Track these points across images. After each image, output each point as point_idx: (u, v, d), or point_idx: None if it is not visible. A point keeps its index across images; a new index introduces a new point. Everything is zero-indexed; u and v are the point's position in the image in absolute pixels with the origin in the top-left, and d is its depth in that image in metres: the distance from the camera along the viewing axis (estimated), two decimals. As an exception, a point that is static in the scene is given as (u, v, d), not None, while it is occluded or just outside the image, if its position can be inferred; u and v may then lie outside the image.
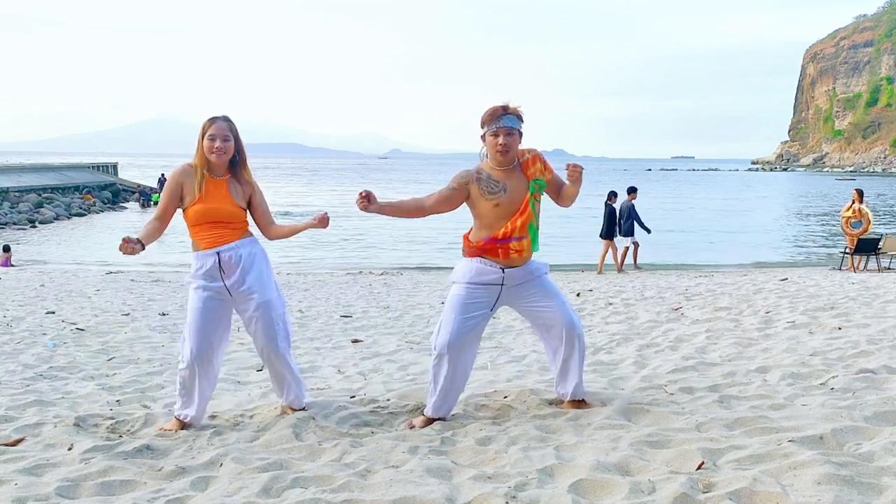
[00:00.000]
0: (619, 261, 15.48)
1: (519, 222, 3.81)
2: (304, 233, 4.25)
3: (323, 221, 3.99)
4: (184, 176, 3.92)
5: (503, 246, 3.82)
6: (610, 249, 15.56)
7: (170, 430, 3.93)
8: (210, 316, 3.91)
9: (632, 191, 15.78)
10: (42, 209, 32.27)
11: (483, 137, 3.88)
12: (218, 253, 3.88)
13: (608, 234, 15.39)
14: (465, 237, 3.96)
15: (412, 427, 3.93)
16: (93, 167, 48.75)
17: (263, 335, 3.97)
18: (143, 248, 3.74)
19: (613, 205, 15.40)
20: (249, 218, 4.07)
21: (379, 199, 3.81)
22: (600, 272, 15.26)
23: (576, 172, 3.87)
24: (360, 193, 3.77)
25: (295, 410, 4.16)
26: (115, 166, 51.95)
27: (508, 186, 3.84)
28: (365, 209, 3.77)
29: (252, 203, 4.05)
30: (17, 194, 33.51)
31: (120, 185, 45.62)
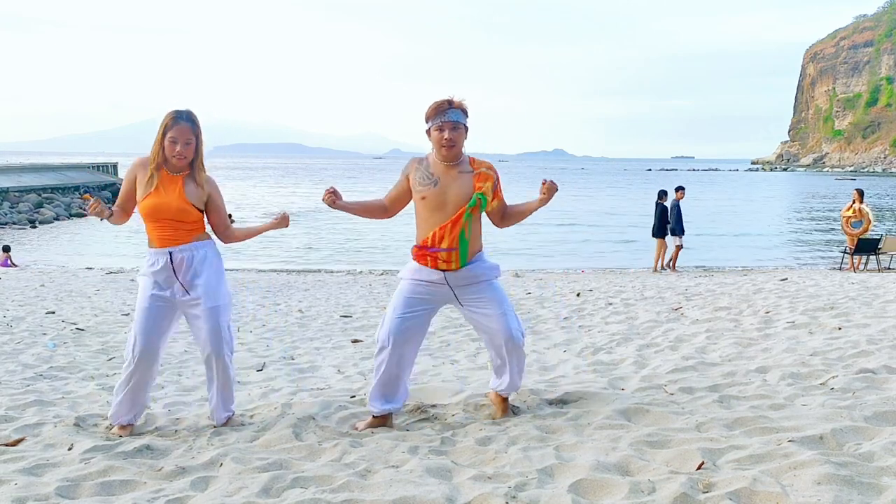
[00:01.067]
0: (672, 260, 15.65)
1: (447, 229, 3.71)
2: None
3: (283, 221, 3.96)
4: (140, 167, 3.83)
5: (431, 255, 3.76)
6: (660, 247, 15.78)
7: (118, 434, 3.87)
8: (155, 316, 3.82)
9: (679, 189, 15.87)
10: (42, 209, 32.27)
11: (428, 132, 3.82)
12: (170, 253, 3.80)
13: (659, 232, 15.51)
14: (413, 247, 3.90)
15: (356, 429, 3.90)
16: (93, 167, 48.73)
17: (209, 341, 3.85)
18: (110, 216, 3.75)
19: (665, 203, 15.51)
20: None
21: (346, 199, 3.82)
22: (656, 270, 15.38)
23: (551, 191, 3.80)
24: (327, 189, 3.78)
25: (223, 424, 4.01)
26: (115, 166, 51.93)
27: (442, 182, 3.76)
28: (332, 204, 3.77)
29: (210, 205, 3.93)
30: (17, 194, 33.50)
31: (119, 185, 45.64)
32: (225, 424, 4.01)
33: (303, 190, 62.57)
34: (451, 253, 3.74)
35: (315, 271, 17.60)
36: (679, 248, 15.58)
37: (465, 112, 3.81)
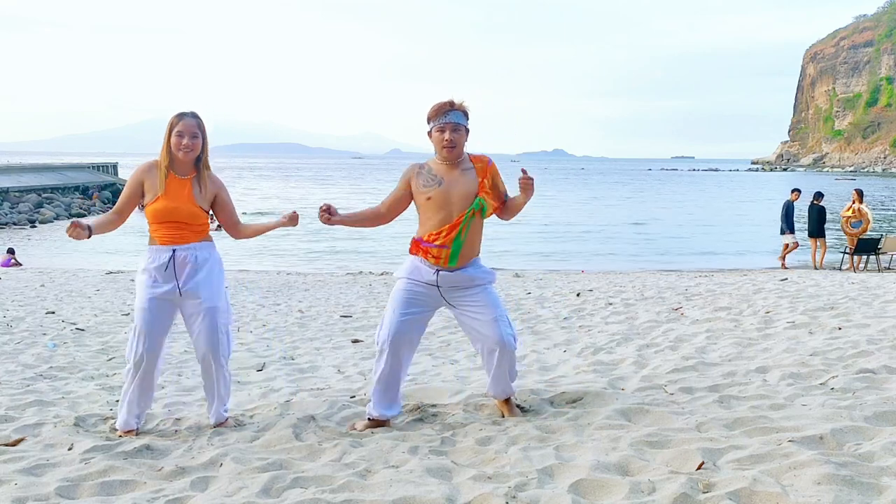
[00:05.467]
0: (783, 256, 16.24)
1: (445, 230, 3.75)
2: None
3: (293, 220, 3.97)
4: (146, 173, 3.85)
5: (423, 248, 3.81)
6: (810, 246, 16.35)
7: (121, 435, 3.87)
8: (156, 315, 3.83)
9: (795, 191, 16.49)
10: (42, 209, 32.25)
11: (430, 134, 3.85)
12: (174, 251, 3.80)
13: (817, 232, 16.05)
14: (413, 238, 3.94)
15: (353, 429, 3.90)
16: (93, 167, 48.73)
17: (206, 341, 3.87)
18: (90, 236, 3.71)
19: (821, 204, 16.06)
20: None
21: (339, 212, 3.83)
22: (819, 266, 15.85)
23: (528, 183, 3.82)
24: (321, 207, 3.78)
25: (219, 425, 4.01)
26: (114, 166, 51.93)
27: (446, 181, 3.79)
28: (328, 222, 3.79)
29: (218, 202, 3.96)
30: (17, 194, 33.49)
31: (120, 185, 45.61)
32: (222, 425, 4.01)
33: (306, 189, 62.64)
34: (441, 249, 3.77)
35: (315, 272, 17.61)
36: (794, 245, 16.22)
37: (465, 114, 3.84)
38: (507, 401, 4.09)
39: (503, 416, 4.03)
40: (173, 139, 3.81)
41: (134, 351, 3.84)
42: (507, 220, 4.07)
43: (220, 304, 3.90)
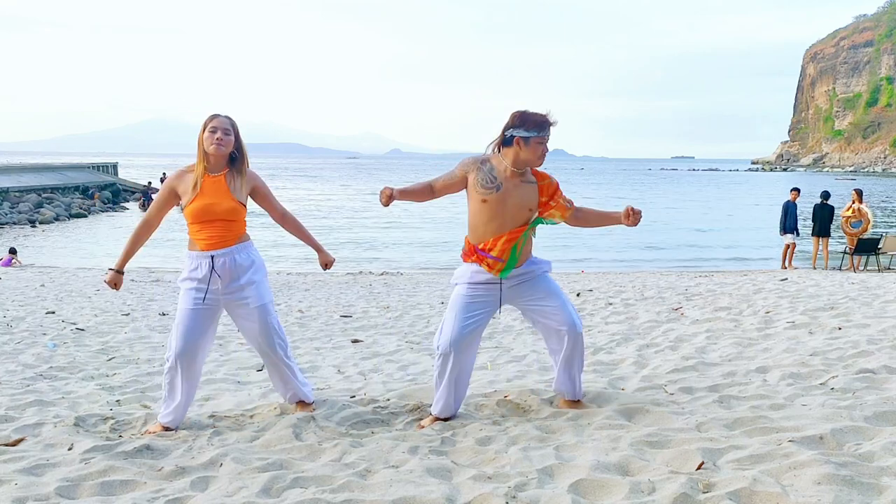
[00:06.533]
0: (787, 257, 16.19)
1: (502, 241, 3.77)
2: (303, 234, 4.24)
3: (326, 265, 4.19)
4: (177, 179, 3.92)
5: (480, 256, 3.83)
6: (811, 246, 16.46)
7: (153, 432, 3.92)
8: (198, 318, 3.88)
9: (794, 190, 16.52)
10: (42, 209, 32.24)
11: (515, 140, 3.75)
12: (212, 257, 3.85)
13: (826, 231, 16.15)
14: (467, 238, 3.96)
15: (422, 428, 3.93)
16: (93, 167, 48.72)
17: (262, 339, 3.97)
18: (121, 274, 3.98)
19: (829, 204, 16.13)
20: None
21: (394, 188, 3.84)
22: (825, 266, 15.92)
23: (635, 218, 3.81)
24: (384, 192, 3.75)
25: (305, 406, 4.17)
26: (115, 166, 51.92)
27: (504, 188, 3.78)
28: (388, 203, 3.77)
29: (258, 196, 4.03)
30: (17, 194, 33.49)
31: (120, 185, 45.60)
32: (304, 408, 4.17)
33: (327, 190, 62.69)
34: (497, 262, 3.80)
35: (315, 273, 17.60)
36: (793, 245, 16.20)
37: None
38: (579, 402, 4.10)
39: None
40: (206, 135, 3.86)
41: (172, 350, 3.91)
42: (574, 226, 4.06)
43: (266, 300, 3.97)
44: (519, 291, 3.91)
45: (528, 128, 3.74)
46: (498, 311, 3.99)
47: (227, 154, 3.90)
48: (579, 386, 4.09)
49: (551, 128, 3.80)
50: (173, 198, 3.93)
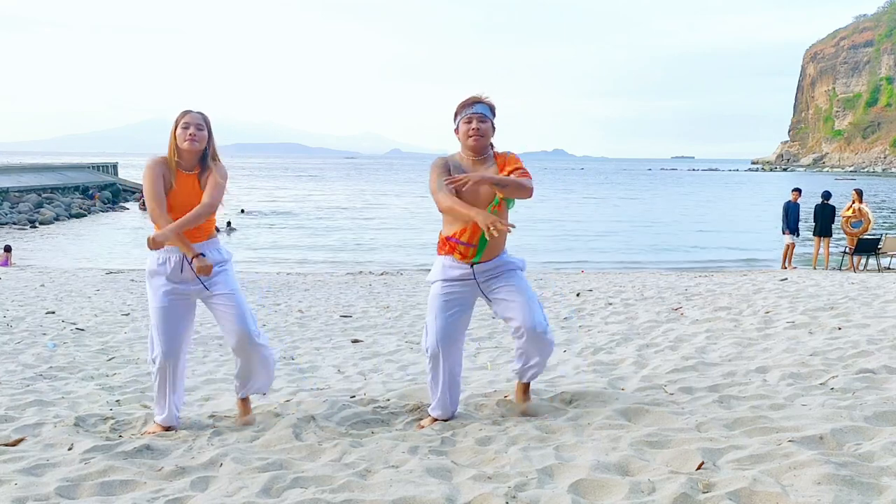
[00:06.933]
0: (786, 257, 16.23)
1: (471, 226, 3.74)
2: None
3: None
4: (161, 166, 3.83)
5: (452, 244, 3.85)
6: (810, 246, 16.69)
7: (152, 432, 3.91)
8: (175, 315, 3.86)
9: (795, 190, 16.59)
10: (42, 209, 32.25)
11: (456, 130, 3.85)
12: (183, 254, 3.81)
13: (828, 231, 16.22)
14: (440, 233, 3.96)
15: (422, 428, 3.93)
16: (93, 167, 48.72)
17: (238, 321, 3.85)
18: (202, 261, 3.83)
19: (831, 204, 16.17)
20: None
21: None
22: (826, 266, 16.00)
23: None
24: (492, 226, 3.56)
25: (247, 410, 4.09)
26: (115, 166, 51.93)
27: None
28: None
29: (209, 181, 3.84)
30: (17, 194, 33.50)
31: (120, 185, 45.61)
32: (246, 402, 4.10)
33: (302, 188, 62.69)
34: (468, 248, 3.80)
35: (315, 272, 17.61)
36: (792, 245, 16.22)
37: (492, 108, 3.86)
38: (526, 387, 4.12)
39: (518, 402, 4.09)
40: (179, 131, 3.82)
41: (158, 352, 3.87)
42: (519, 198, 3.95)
43: (236, 289, 3.94)
44: (488, 285, 3.90)
45: (458, 111, 3.84)
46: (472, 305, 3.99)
47: (200, 150, 3.85)
48: (532, 371, 4.04)
49: (478, 105, 3.80)
50: (165, 182, 3.81)
